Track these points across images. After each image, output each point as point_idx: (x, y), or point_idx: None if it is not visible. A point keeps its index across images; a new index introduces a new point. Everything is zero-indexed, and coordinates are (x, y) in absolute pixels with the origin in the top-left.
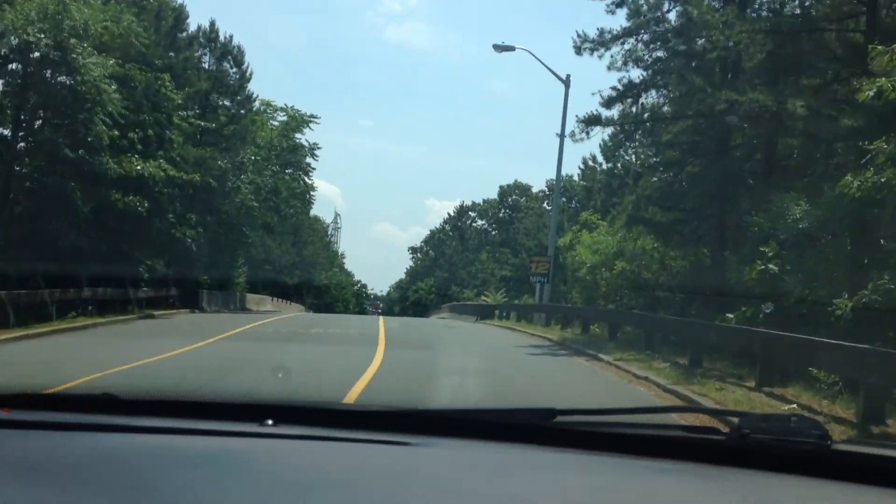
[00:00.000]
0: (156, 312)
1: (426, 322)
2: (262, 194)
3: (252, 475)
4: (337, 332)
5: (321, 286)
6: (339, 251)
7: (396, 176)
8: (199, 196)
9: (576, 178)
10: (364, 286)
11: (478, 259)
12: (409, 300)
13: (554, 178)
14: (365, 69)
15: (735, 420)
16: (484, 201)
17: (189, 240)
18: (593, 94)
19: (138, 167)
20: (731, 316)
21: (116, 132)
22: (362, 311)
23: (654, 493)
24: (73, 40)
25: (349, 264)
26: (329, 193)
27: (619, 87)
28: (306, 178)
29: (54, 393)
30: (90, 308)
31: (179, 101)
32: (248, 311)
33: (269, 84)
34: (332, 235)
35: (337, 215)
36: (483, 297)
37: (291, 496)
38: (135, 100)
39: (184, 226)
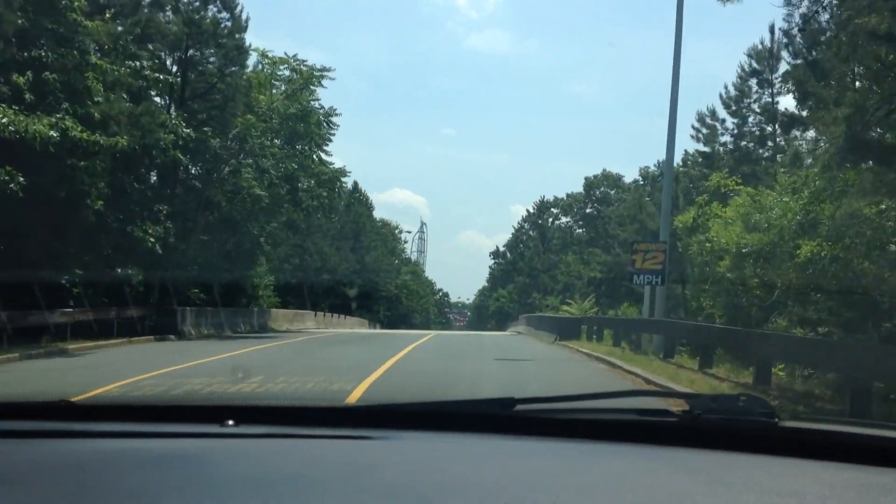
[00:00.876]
0: (73, 346)
1: (484, 343)
2: (268, 179)
3: (212, 474)
4: (274, 390)
5: (391, 296)
6: (414, 258)
7: (481, 183)
8: (180, 181)
9: (676, 162)
10: (446, 295)
11: (562, 261)
12: (490, 309)
13: (647, 165)
14: (445, 78)
15: (687, 402)
16: (567, 195)
17: (151, 240)
18: None
19: (4, 120)
20: None
21: None
22: (446, 322)
23: (609, 476)
24: None
25: (432, 273)
26: (415, 203)
27: None
28: (322, 154)
29: (8, 402)
30: None
31: (95, 30)
32: (268, 332)
33: (353, 98)
34: (405, 242)
35: (423, 224)
36: (564, 307)
37: (251, 493)
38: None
39: (147, 221)
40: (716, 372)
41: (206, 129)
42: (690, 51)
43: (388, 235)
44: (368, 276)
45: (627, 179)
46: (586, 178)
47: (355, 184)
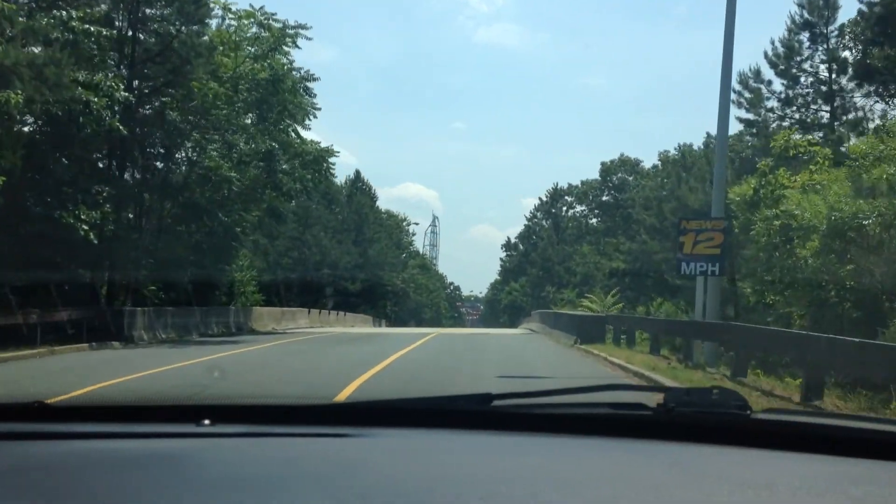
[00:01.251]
0: None
1: (488, 348)
2: (237, 156)
3: (189, 475)
4: None
5: (397, 291)
6: (427, 252)
7: (493, 177)
8: (133, 159)
9: (697, 146)
10: (458, 289)
11: (577, 252)
12: (502, 303)
13: (667, 150)
14: (455, 72)
15: (661, 395)
16: (582, 182)
17: (84, 228)
18: None
19: None
20: None
21: None
22: (458, 317)
23: (585, 469)
24: None
25: (444, 266)
26: (427, 197)
27: None
28: (299, 128)
29: None
30: None
31: None
32: (247, 334)
33: (364, 92)
34: (413, 235)
35: (435, 218)
36: (584, 302)
37: (229, 493)
38: None
39: (81, 206)
40: (838, 406)
41: (164, 99)
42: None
43: (393, 227)
44: (372, 270)
45: (646, 165)
46: (602, 164)
47: (357, 173)
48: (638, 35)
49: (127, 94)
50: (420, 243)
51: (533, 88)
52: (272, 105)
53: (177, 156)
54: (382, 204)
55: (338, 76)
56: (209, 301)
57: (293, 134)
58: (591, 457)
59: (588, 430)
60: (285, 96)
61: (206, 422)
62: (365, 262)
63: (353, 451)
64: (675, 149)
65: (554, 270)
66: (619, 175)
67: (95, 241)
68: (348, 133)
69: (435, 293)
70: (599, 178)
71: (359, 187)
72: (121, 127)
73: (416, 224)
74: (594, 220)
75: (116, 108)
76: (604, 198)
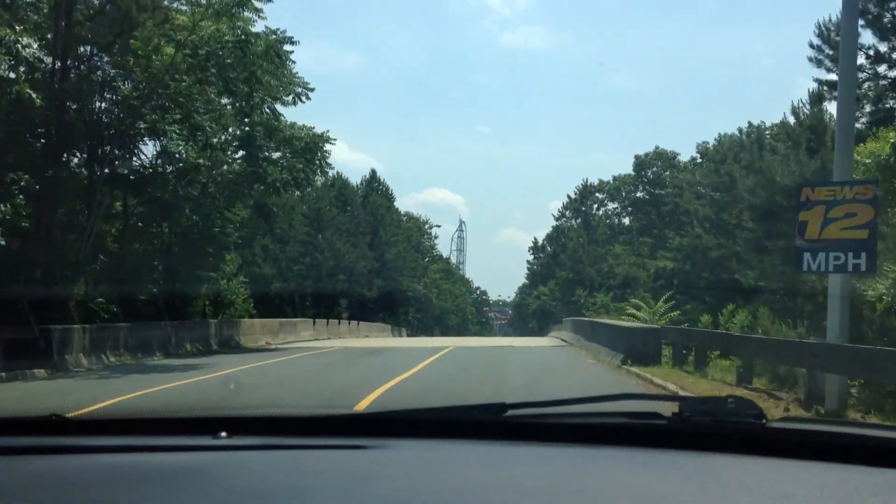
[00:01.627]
0: None
1: (509, 374)
2: (202, 140)
3: (206, 488)
4: None
5: (419, 297)
6: (454, 257)
7: (518, 180)
8: (74, 143)
9: (739, 131)
10: (484, 293)
11: (609, 253)
12: (531, 308)
13: (706, 141)
14: (478, 76)
15: (676, 405)
16: (614, 178)
17: None
18: None
19: None
20: None
21: None
22: (485, 322)
23: (601, 479)
24: None
25: (472, 271)
26: (453, 202)
27: None
28: (275, 107)
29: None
30: None
31: None
32: (231, 351)
33: (391, 98)
34: (436, 238)
35: (462, 223)
36: (629, 309)
37: None
38: None
39: None
40: None
41: (114, 69)
42: None
43: (413, 230)
44: (390, 276)
45: (684, 158)
46: (636, 157)
47: (373, 172)
48: (662, 32)
49: (35, 48)
50: (446, 248)
51: (556, 90)
52: (237, 70)
53: (142, 143)
54: (410, 210)
55: (363, 83)
56: (184, 314)
57: (269, 111)
58: (607, 467)
59: (603, 440)
60: (254, 60)
61: (223, 434)
62: (382, 267)
63: (370, 463)
64: (715, 138)
65: (585, 273)
66: (655, 169)
67: (2, 242)
68: (374, 139)
69: (460, 298)
70: (633, 173)
71: (375, 188)
72: (33, 95)
73: (439, 227)
74: (627, 219)
75: (22, 67)
76: (637, 194)
